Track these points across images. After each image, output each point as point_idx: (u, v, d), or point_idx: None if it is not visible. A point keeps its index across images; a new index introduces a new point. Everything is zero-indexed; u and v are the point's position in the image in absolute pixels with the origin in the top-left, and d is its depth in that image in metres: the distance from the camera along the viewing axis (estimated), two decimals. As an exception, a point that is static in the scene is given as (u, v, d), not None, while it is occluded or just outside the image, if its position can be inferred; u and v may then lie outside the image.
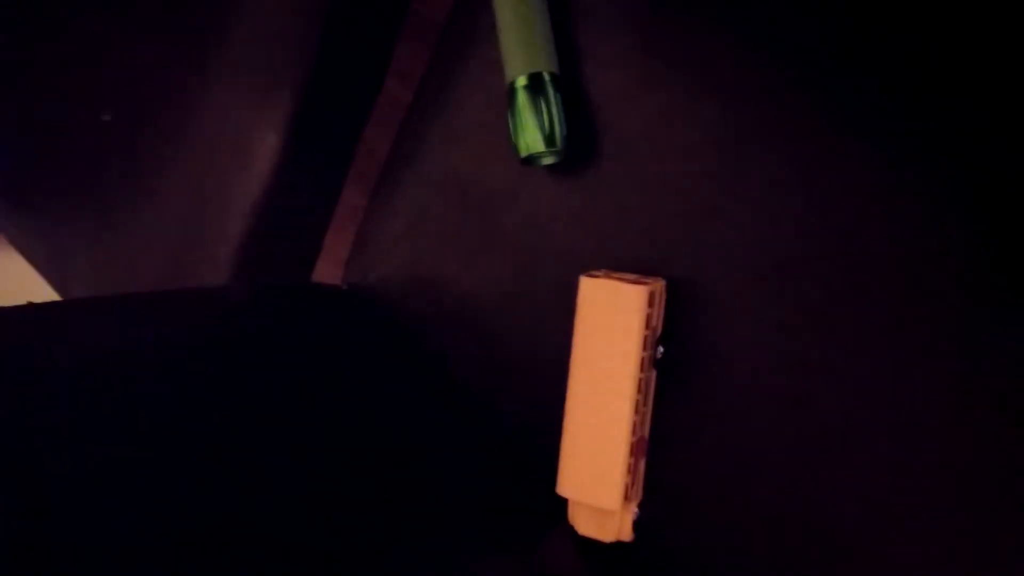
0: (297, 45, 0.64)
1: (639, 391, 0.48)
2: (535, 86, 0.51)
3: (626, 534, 0.51)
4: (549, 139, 0.51)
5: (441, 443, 0.59)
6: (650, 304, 0.47)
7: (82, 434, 0.41)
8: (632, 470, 0.49)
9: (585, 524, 0.52)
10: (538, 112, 0.51)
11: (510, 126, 0.52)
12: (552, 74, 0.51)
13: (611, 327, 0.48)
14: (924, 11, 0.47)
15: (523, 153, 0.52)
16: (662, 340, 0.50)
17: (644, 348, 0.48)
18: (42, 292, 0.75)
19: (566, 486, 0.50)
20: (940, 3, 0.46)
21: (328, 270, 0.81)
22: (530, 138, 0.51)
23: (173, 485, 0.44)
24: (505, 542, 0.54)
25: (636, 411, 0.48)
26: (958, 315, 0.46)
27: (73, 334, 0.48)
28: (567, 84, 0.53)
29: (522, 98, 0.51)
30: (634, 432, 0.48)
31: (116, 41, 0.69)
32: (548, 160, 0.53)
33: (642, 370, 0.48)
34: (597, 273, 0.49)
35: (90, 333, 0.48)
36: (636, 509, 0.52)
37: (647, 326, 0.47)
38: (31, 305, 0.49)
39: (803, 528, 0.50)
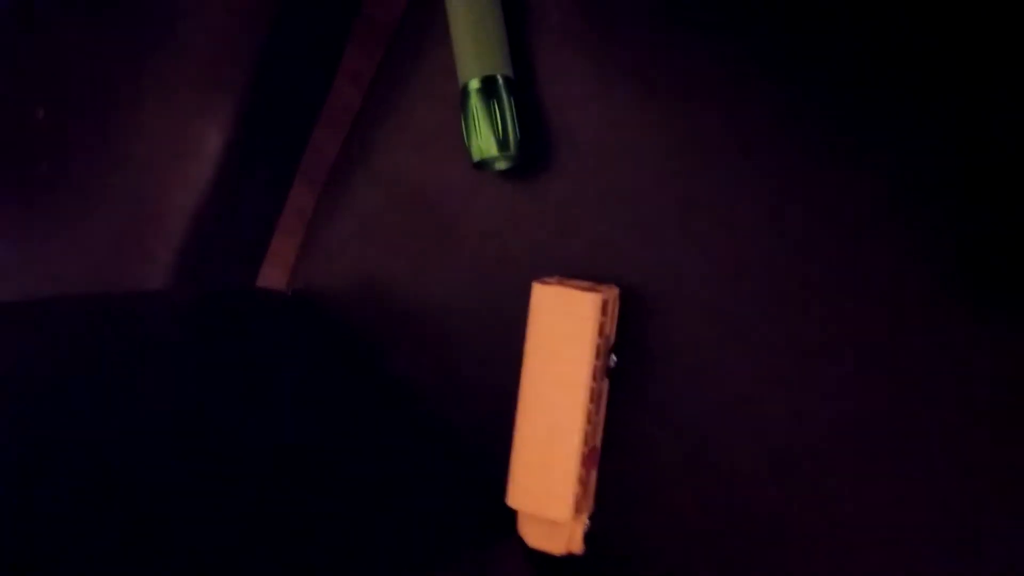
0: (243, 43, 0.62)
1: (591, 400, 0.47)
2: (488, 89, 0.50)
3: (576, 546, 0.51)
4: (502, 143, 0.50)
5: (388, 453, 0.57)
6: (603, 312, 0.47)
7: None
8: (583, 481, 0.48)
9: (535, 536, 0.51)
10: (491, 115, 0.50)
11: (463, 129, 0.51)
12: (506, 77, 0.51)
13: (564, 335, 0.47)
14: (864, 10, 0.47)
15: (476, 157, 0.51)
16: (615, 349, 0.50)
17: (597, 357, 0.47)
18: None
19: (516, 497, 0.49)
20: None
21: (274, 275, 0.79)
22: (483, 142, 0.50)
23: (99, 495, 0.41)
24: (454, 554, 0.53)
25: (588, 421, 0.47)
26: (906, 322, 0.46)
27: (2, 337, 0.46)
28: (521, 88, 0.52)
29: (475, 101, 0.50)
30: (586, 442, 0.47)
31: (52, 35, 0.67)
32: (501, 164, 0.52)
33: (594, 379, 0.47)
34: (550, 280, 0.48)
35: (17, 337, 0.45)
36: (587, 521, 0.51)
37: (600, 334, 0.47)
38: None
39: (755, 538, 0.50)
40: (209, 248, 0.65)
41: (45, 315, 0.47)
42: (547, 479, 0.48)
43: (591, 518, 0.51)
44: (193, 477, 0.46)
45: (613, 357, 0.49)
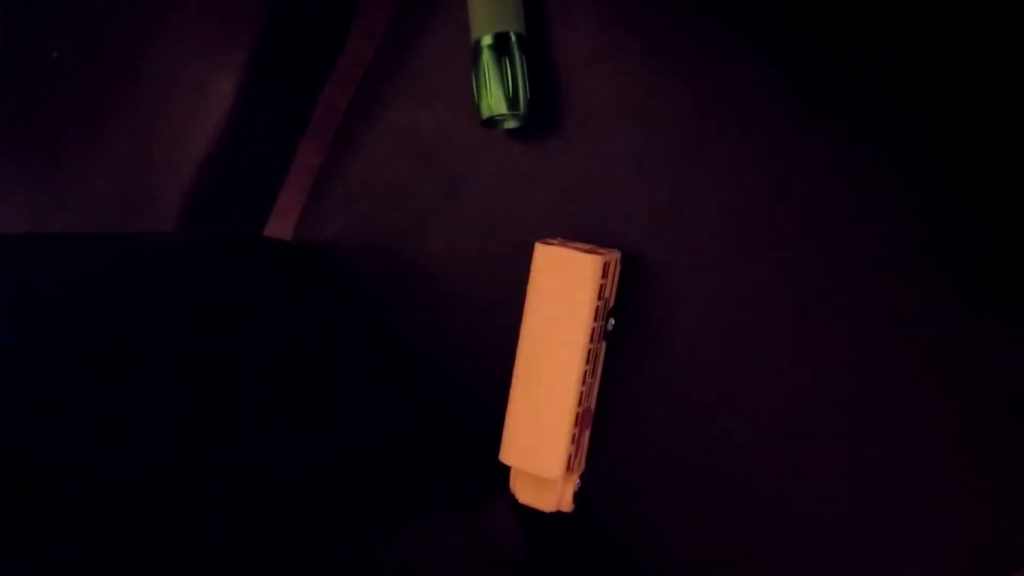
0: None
1: (587, 361, 0.48)
2: (500, 46, 0.50)
3: (566, 505, 0.51)
4: (512, 101, 0.50)
5: (386, 405, 0.58)
6: (604, 275, 0.47)
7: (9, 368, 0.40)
8: (576, 441, 0.49)
9: (526, 493, 0.51)
10: (503, 73, 0.50)
11: (473, 86, 0.51)
12: (518, 35, 0.51)
13: (563, 295, 0.47)
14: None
15: (485, 114, 0.51)
16: (614, 312, 0.50)
17: (595, 319, 0.47)
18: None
19: (509, 453, 0.49)
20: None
21: (281, 230, 0.79)
22: (493, 99, 0.50)
23: (100, 437, 0.42)
24: (445, 507, 0.54)
25: (583, 382, 0.48)
26: (917, 300, 0.46)
27: (5, 269, 0.46)
28: (533, 47, 0.52)
29: (487, 57, 0.50)
30: (580, 403, 0.48)
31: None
32: (510, 123, 0.52)
33: (592, 341, 0.47)
34: (552, 241, 0.48)
35: (25, 268, 0.46)
36: (578, 480, 0.51)
37: (599, 296, 0.47)
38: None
39: (745, 503, 0.50)
40: (216, 194, 0.65)
41: (53, 249, 0.47)
42: (540, 437, 0.48)
43: (582, 478, 0.52)
44: (191, 417, 0.46)
45: (611, 320, 0.50)
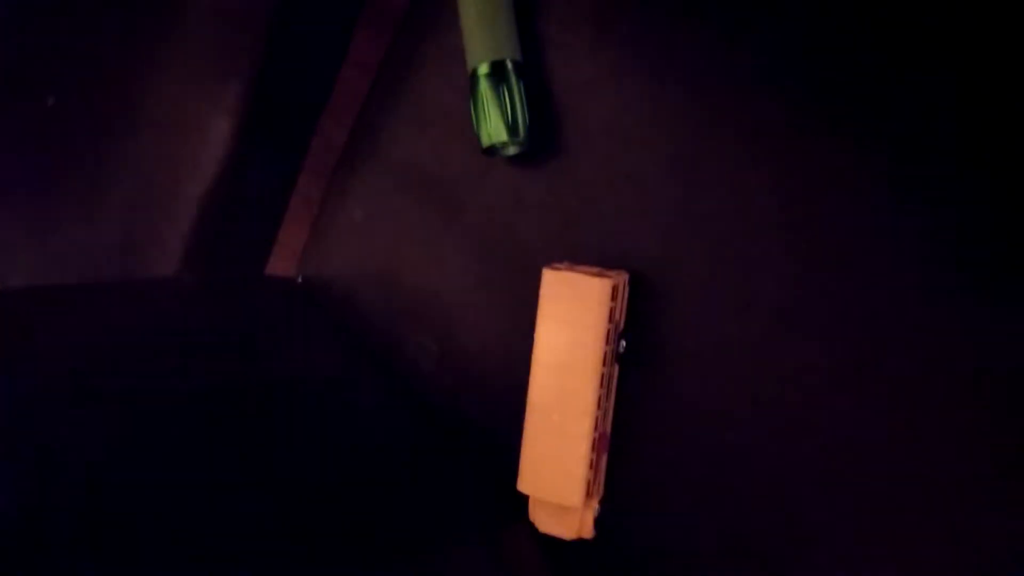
0: (250, 29, 0.62)
1: (601, 386, 0.47)
2: (497, 74, 0.50)
3: (587, 531, 0.51)
4: (512, 128, 0.50)
5: (398, 439, 0.57)
6: (613, 297, 0.47)
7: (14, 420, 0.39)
8: (594, 466, 0.48)
9: (546, 521, 0.51)
10: (500, 101, 0.50)
11: (472, 114, 0.51)
12: (515, 62, 0.51)
13: (573, 320, 0.47)
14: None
15: (485, 143, 0.51)
16: (624, 334, 0.50)
17: (607, 342, 0.47)
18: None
19: (527, 482, 0.49)
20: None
21: (283, 264, 0.79)
22: (492, 127, 0.50)
23: (107, 479, 0.42)
24: (464, 539, 0.53)
25: (598, 406, 0.47)
26: (925, 313, 0.46)
27: (11, 322, 0.46)
28: (530, 73, 0.52)
29: (484, 86, 0.50)
30: (596, 428, 0.47)
31: (62, 22, 0.67)
32: (511, 150, 0.52)
33: (604, 364, 0.47)
34: (560, 265, 0.48)
35: (29, 321, 0.45)
36: (597, 506, 0.51)
37: (610, 319, 0.47)
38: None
39: (767, 523, 0.50)
40: (218, 235, 0.65)
41: (57, 300, 0.47)
42: (558, 465, 0.48)
43: (601, 503, 0.51)
44: (201, 460, 0.46)
45: (623, 342, 0.49)
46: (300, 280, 0.63)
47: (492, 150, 0.51)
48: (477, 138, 0.51)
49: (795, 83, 0.48)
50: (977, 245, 0.45)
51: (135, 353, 0.47)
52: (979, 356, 0.45)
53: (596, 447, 0.48)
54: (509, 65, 0.50)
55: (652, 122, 0.51)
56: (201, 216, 0.63)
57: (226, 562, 0.41)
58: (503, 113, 0.50)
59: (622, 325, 0.50)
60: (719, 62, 0.50)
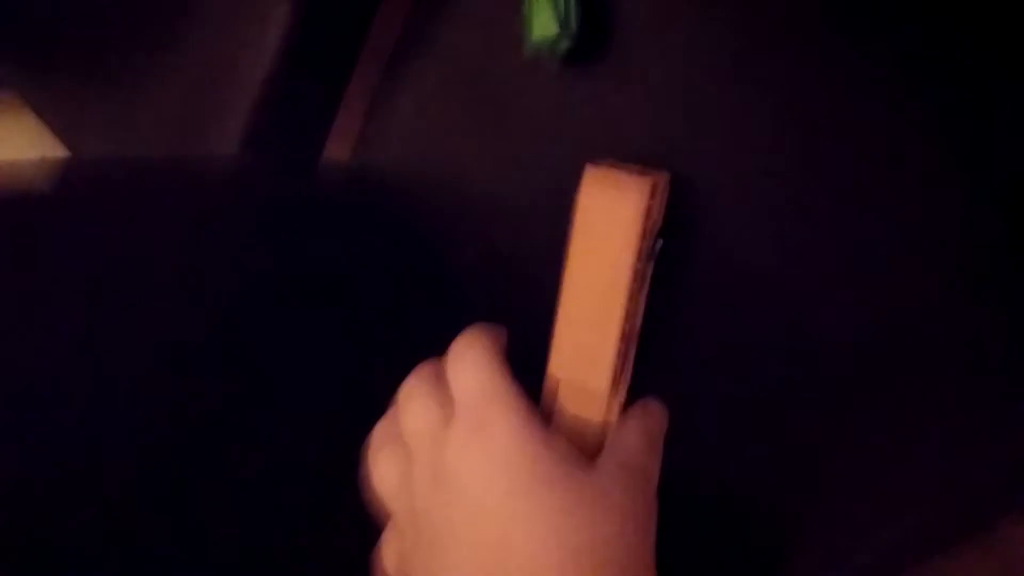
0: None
1: (635, 279, 0.48)
2: (552, -34, 0.50)
3: (613, 417, 0.53)
4: (564, 22, 0.50)
5: (434, 329, 0.60)
6: (652, 195, 0.47)
7: (84, 288, 0.43)
8: (622, 356, 0.50)
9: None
10: (553, -7, 0.49)
11: (524, 6, 0.51)
12: (570, -45, 0.50)
13: (612, 216, 0.48)
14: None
15: (536, 36, 0.51)
16: (662, 234, 0.50)
17: (643, 239, 0.48)
18: (55, 151, 0.76)
19: (556, 365, 0.51)
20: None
21: (338, 148, 0.81)
22: (544, 20, 0.50)
23: (170, 359, 0.45)
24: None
25: (630, 299, 0.49)
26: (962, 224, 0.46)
27: (84, 191, 0.49)
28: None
29: (538, -24, 0.50)
30: (627, 319, 0.49)
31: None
32: (562, 44, 0.52)
33: (639, 260, 0.48)
34: (602, 163, 0.49)
35: (101, 191, 0.48)
36: (622, 399, 0.53)
37: (648, 217, 0.48)
38: (44, 160, 0.50)
39: (790, 430, 0.51)
40: (276, 117, 0.67)
41: (116, 171, 0.50)
42: (588, 350, 0.49)
43: (626, 394, 0.53)
44: (251, 346, 0.49)
45: (659, 241, 0.50)
46: (355, 165, 0.65)
47: (541, 47, 0.51)
48: (528, 33, 0.51)
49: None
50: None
51: (192, 230, 0.50)
52: None
53: (625, 338, 0.50)
54: (564, -42, 0.50)
55: (704, 24, 0.50)
56: (260, 98, 0.65)
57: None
58: (556, 6, 0.50)
59: (660, 224, 0.50)
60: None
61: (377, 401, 0.50)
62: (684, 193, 0.51)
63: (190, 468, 0.43)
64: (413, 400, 0.34)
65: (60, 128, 0.73)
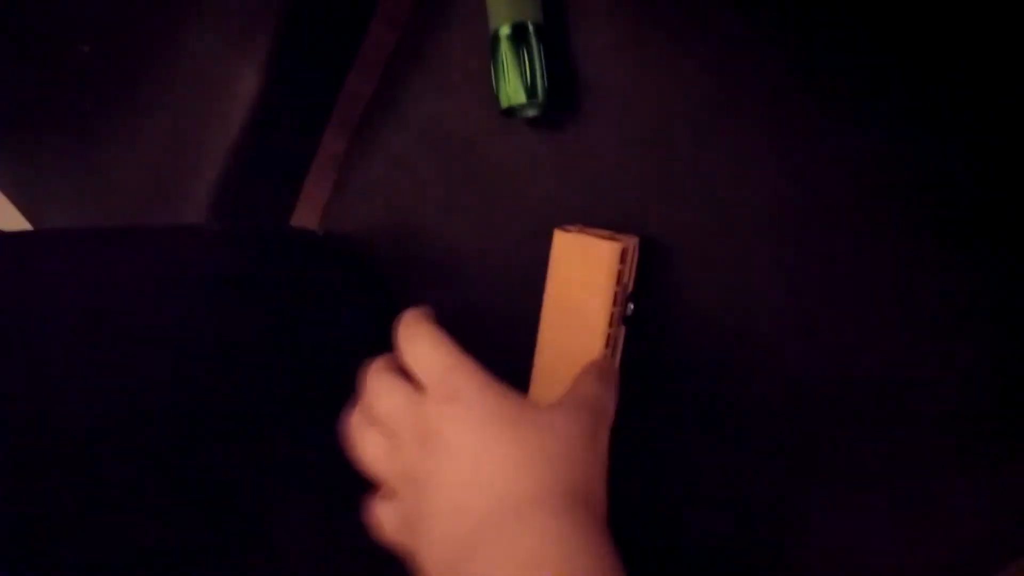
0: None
1: (607, 346, 0.48)
2: (519, 36, 0.50)
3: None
4: (531, 91, 0.51)
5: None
6: (622, 260, 0.48)
7: (47, 360, 0.41)
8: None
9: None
10: (520, 62, 0.50)
11: (492, 76, 0.52)
12: (536, 24, 0.51)
13: (582, 282, 0.48)
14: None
15: (504, 104, 0.51)
16: (632, 297, 0.51)
17: (615, 304, 0.48)
18: (15, 223, 0.75)
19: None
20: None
21: (308, 218, 0.80)
22: (512, 89, 0.51)
23: (140, 429, 0.44)
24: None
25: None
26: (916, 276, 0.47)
27: (46, 264, 0.48)
28: (551, 35, 0.52)
29: (505, 48, 0.51)
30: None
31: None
32: (529, 112, 0.53)
33: (611, 326, 0.48)
34: (571, 228, 0.49)
35: (64, 263, 0.47)
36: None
37: (618, 282, 0.48)
38: (4, 234, 0.49)
39: (767, 498, 0.51)
40: (244, 186, 0.67)
41: (85, 244, 0.49)
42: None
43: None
44: (222, 411, 0.48)
45: (631, 305, 0.50)
46: (322, 233, 0.65)
47: (511, 111, 0.52)
48: (496, 99, 0.52)
49: (818, 54, 0.48)
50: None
51: (158, 297, 0.49)
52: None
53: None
54: (530, 27, 0.51)
55: (672, 89, 0.51)
56: (228, 166, 0.64)
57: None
58: (522, 75, 0.50)
59: (631, 288, 0.51)
60: (743, 32, 0.50)
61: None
62: (655, 255, 0.51)
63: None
64: (380, 386, 0.39)
65: (22, 200, 0.72)
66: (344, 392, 0.54)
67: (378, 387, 0.40)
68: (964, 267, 0.46)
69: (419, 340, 0.39)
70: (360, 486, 0.43)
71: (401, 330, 0.41)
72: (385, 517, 0.40)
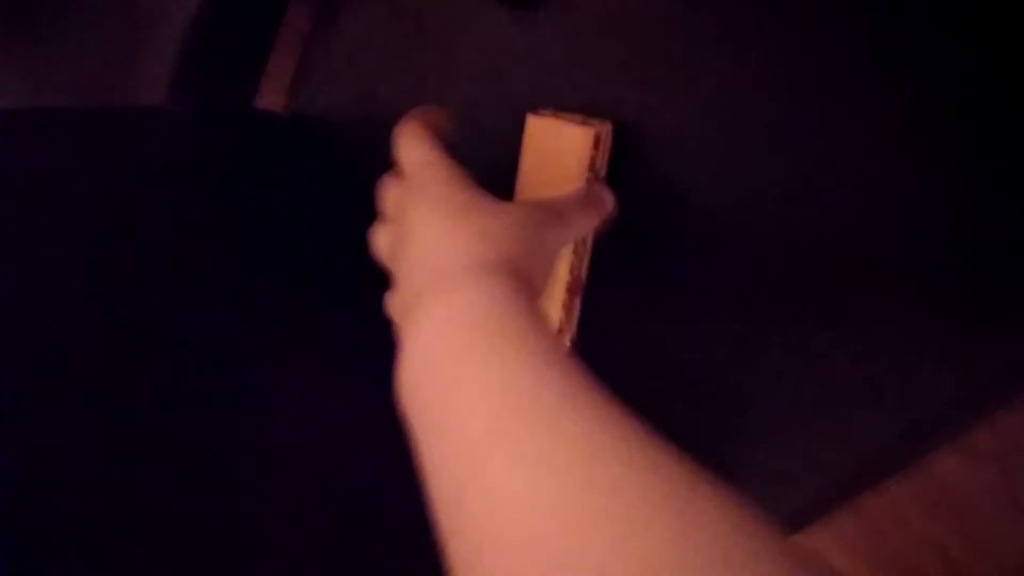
0: None
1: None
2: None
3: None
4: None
5: (374, 278, 0.59)
6: (595, 146, 0.47)
7: (12, 241, 0.41)
8: (567, 307, 0.51)
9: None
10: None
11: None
12: None
13: (554, 166, 0.47)
14: None
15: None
16: (605, 184, 0.50)
17: (586, 190, 0.48)
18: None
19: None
20: None
21: (272, 97, 0.78)
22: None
23: (91, 313, 0.43)
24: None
25: (574, 252, 0.49)
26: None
27: (4, 143, 0.46)
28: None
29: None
30: (571, 271, 0.49)
31: None
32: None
33: (583, 211, 0.48)
34: (544, 112, 0.48)
35: (23, 142, 0.46)
36: (568, 344, 0.53)
37: (590, 168, 0.47)
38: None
39: (733, 390, 0.52)
40: (204, 63, 0.64)
41: (40, 123, 0.47)
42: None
43: (571, 343, 0.54)
44: (185, 298, 0.47)
45: (603, 192, 0.50)
46: (288, 114, 0.63)
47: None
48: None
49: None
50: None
51: (117, 182, 0.48)
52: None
53: (570, 289, 0.50)
54: None
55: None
56: (186, 43, 0.62)
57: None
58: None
59: (603, 174, 0.50)
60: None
61: (329, 337, 0.49)
62: (628, 140, 0.51)
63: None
64: (385, 189, 0.46)
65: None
66: (315, 277, 0.54)
67: (383, 189, 0.46)
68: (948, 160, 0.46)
69: (408, 139, 0.44)
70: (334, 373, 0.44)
71: (398, 129, 0.45)
72: (388, 303, 0.45)
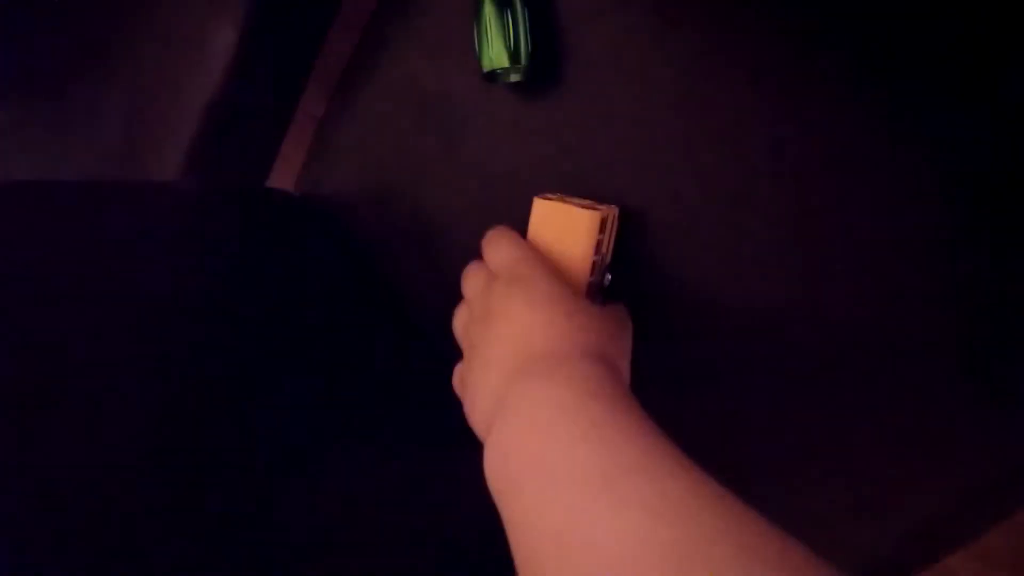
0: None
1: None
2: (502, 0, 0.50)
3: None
4: (514, 55, 0.50)
5: (387, 357, 0.59)
6: (601, 230, 0.47)
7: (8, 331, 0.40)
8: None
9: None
10: (504, 26, 0.49)
11: (475, 39, 0.51)
12: (521, -13, 0.50)
13: (561, 250, 0.48)
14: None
15: (486, 67, 0.51)
16: (611, 268, 0.50)
17: (592, 274, 0.48)
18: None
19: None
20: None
21: (285, 179, 0.79)
22: (495, 53, 0.50)
23: (120, 388, 0.43)
24: (442, 456, 0.55)
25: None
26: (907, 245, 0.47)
27: (19, 214, 0.46)
28: (536, 0, 0.52)
29: (489, 11, 0.50)
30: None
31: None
32: (512, 77, 0.52)
33: (588, 296, 0.48)
34: (551, 195, 0.49)
35: (25, 216, 0.46)
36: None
37: (596, 252, 0.48)
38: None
39: (741, 454, 0.51)
40: (219, 144, 0.65)
41: (54, 196, 0.48)
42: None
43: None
44: (190, 369, 0.47)
45: (608, 276, 0.50)
46: (299, 195, 0.64)
47: (493, 76, 0.51)
48: (478, 63, 0.51)
49: (804, 23, 0.48)
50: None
51: (127, 254, 0.48)
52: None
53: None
54: (515, -10, 0.50)
55: (655, 57, 0.50)
56: (202, 125, 0.63)
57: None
58: (506, 39, 0.49)
59: (609, 259, 0.50)
60: (729, 2, 0.49)
61: (338, 415, 0.49)
62: (635, 226, 0.51)
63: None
64: (468, 274, 0.49)
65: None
66: (322, 354, 0.54)
67: (466, 275, 0.49)
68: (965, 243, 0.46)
69: (499, 241, 0.48)
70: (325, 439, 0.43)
71: (487, 238, 0.49)
72: (455, 377, 0.49)
